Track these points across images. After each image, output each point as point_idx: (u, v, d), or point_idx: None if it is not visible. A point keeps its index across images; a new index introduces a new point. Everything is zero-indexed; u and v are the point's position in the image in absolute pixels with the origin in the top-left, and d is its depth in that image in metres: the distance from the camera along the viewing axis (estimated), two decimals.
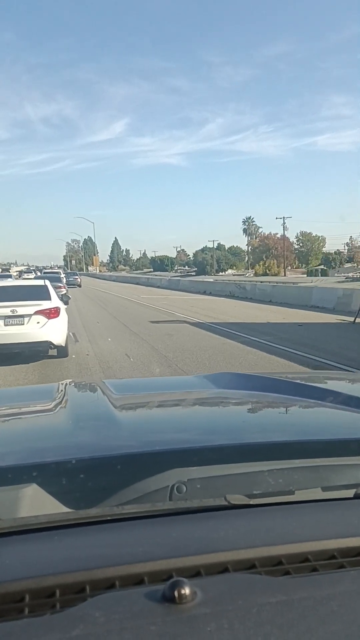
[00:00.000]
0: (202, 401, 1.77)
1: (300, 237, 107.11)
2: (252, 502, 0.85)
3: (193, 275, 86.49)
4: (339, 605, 0.59)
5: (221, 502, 0.84)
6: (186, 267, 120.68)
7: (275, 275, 74.96)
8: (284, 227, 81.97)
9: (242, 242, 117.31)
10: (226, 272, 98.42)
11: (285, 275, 75.41)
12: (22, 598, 0.62)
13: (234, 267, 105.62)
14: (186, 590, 0.58)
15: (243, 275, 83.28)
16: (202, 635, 0.54)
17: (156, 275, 66.17)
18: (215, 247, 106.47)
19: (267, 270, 78.20)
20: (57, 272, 38.76)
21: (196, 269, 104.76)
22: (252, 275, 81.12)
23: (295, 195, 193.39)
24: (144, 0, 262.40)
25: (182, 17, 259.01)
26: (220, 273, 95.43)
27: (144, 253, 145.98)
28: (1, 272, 52.12)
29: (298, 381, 2.03)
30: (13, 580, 0.64)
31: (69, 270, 71.13)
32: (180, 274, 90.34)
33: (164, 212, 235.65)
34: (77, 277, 41.16)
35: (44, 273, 40.38)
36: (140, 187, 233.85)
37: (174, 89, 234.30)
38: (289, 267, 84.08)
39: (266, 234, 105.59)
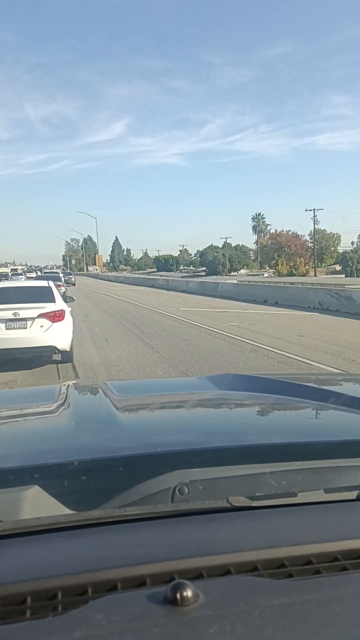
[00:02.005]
0: (204, 403, 1.75)
1: (315, 235, 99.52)
2: (255, 504, 0.84)
3: (203, 276, 78.38)
4: (342, 608, 0.58)
5: (223, 504, 0.83)
6: (191, 267, 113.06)
7: (303, 275, 65.68)
8: (314, 221, 72.94)
9: (246, 241, 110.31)
10: (239, 272, 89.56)
11: (315, 275, 66.16)
12: (24, 600, 0.62)
13: (246, 267, 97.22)
14: (188, 593, 0.58)
15: (259, 275, 74.31)
16: (204, 637, 0.53)
17: (166, 276, 57.93)
18: (222, 245, 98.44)
19: (294, 270, 68.63)
20: (56, 272, 42.45)
21: (205, 268, 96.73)
22: (272, 275, 72.09)
23: (298, 194, 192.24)
24: (145, 0, 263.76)
25: (183, 18, 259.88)
26: (233, 273, 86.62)
27: (146, 252, 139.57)
28: (10, 272, 52.97)
29: (300, 383, 2.00)
30: (15, 582, 0.63)
31: (68, 270, 76.96)
32: (188, 274, 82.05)
33: (163, 212, 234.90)
34: (71, 276, 46.28)
35: (44, 273, 43.82)
36: (140, 187, 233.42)
37: (174, 90, 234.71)
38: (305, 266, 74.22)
39: (278, 231, 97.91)
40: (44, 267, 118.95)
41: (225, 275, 79.38)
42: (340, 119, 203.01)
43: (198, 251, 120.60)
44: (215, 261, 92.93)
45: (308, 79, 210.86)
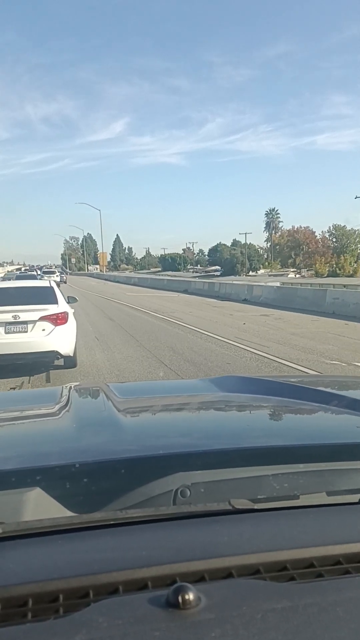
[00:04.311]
0: (206, 405, 1.73)
1: (334, 232, 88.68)
2: (257, 506, 0.84)
3: (217, 276, 68.06)
4: (345, 612, 0.58)
5: (225, 507, 0.83)
6: (199, 266, 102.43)
7: (351, 276, 54.51)
8: None
9: (251, 239, 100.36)
10: (258, 273, 78.38)
11: None
12: (25, 602, 0.62)
13: (262, 266, 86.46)
14: (190, 596, 0.57)
15: (284, 275, 62.96)
16: None
17: (177, 276, 48.08)
18: (230, 243, 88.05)
19: (338, 270, 57.29)
20: (53, 271, 51.07)
21: (218, 267, 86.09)
22: (306, 275, 60.89)
23: (299, 193, 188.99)
24: (145, 0, 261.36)
25: (183, 18, 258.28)
26: (252, 273, 75.45)
27: (149, 251, 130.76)
28: (17, 270, 53.68)
29: (302, 385, 1.98)
30: (16, 584, 0.63)
31: (66, 269, 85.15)
32: (199, 274, 72.18)
33: (164, 211, 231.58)
34: (64, 275, 51.47)
35: (44, 272, 48.53)
36: (140, 187, 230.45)
37: (174, 89, 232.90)
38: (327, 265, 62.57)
39: (296, 227, 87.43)
40: (44, 266, 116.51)
41: (245, 275, 68.56)
42: (341, 119, 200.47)
43: (200, 250, 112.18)
44: (232, 260, 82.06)
45: (308, 79, 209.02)
